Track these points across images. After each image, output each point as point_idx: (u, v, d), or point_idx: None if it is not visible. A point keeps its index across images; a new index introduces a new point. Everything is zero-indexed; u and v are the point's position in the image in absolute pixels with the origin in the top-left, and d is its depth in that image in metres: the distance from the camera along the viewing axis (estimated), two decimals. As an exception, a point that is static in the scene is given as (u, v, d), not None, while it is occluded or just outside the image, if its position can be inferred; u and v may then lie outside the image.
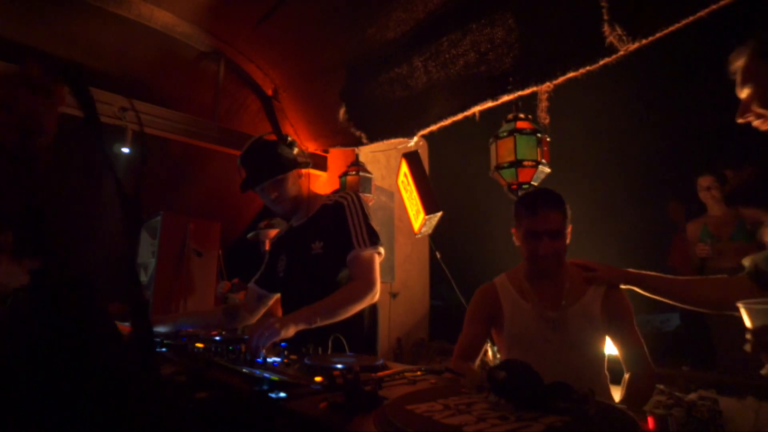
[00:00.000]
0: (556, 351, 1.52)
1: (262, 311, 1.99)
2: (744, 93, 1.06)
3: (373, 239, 1.66)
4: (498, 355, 1.95)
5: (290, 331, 1.40)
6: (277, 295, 1.96)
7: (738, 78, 1.07)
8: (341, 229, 1.67)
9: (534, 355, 1.52)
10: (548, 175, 2.60)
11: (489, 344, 2.00)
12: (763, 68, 1.03)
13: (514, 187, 2.54)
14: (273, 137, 1.82)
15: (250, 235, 3.19)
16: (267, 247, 3.01)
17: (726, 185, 3.16)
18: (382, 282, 1.68)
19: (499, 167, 2.56)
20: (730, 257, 3.00)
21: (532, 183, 2.53)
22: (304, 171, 1.84)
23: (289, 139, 1.82)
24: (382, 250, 1.68)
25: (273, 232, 3.02)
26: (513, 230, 1.68)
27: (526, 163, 2.49)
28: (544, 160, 2.51)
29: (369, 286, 1.61)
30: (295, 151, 1.80)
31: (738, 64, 1.08)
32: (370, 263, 1.64)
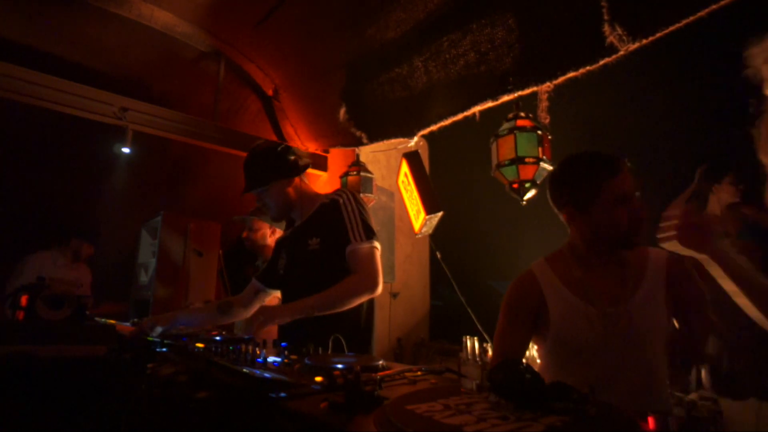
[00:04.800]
0: (619, 357, 1.22)
1: (257, 306, 2.03)
2: None
3: (369, 234, 1.68)
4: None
5: (286, 317, 1.55)
6: (274, 293, 2.01)
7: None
8: (338, 225, 1.70)
9: (592, 365, 1.24)
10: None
11: (490, 344, 1.99)
12: None
13: (516, 186, 2.53)
14: (270, 144, 1.88)
15: (235, 218, 3.10)
16: (243, 235, 2.97)
17: (740, 185, 3.14)
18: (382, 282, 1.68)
19: (500, 166, 2.55)
20: (742, 256, 2.99)
21: (535, 181, 2.51)
22: (301, 174, 1.87)
23: (280, 147, 1.85)
24: (378, 244, 1.70)
25: (261, 224, 2.98)
26: (565, 215, 1.34)
27: (527, 160, 2.47)
28: (545, 157, 2.50)
29: (369, 278, 1.63)
30: (290, 158, 1.83)
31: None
32: (370, 257, 1.66)
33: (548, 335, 1.31)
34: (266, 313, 1.52)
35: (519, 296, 1.38)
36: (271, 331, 1.91)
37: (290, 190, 1.83)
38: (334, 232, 1.69)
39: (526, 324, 1.35)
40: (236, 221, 3.05)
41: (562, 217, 1.36)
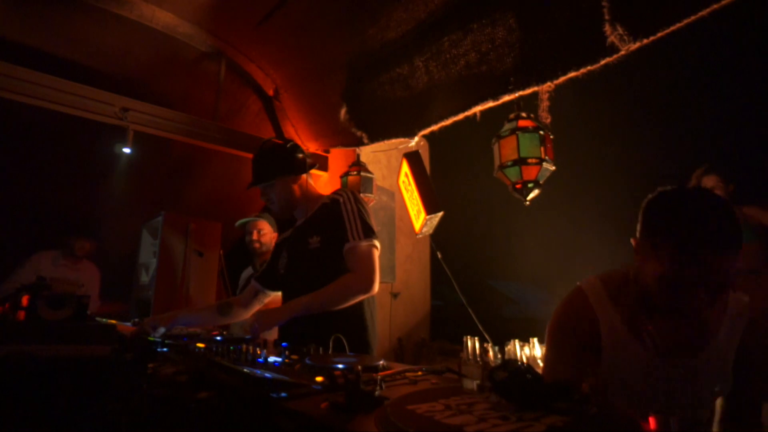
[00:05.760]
0: (673, 400, 1.09)
1: (256, 307, 2.05)
2: None
3: (368, 233, 1.69)
4: (499, 356, 1.93)
5: (282, 319, 1.57)
6: (274, 294, 2.02)
7: None
8: (337, 223, 1.71)
9: (641, 403, 1.11)
10: (552, 174, 2.59)
11: (490, 344, 1.99)
12: None
13: (519, 186, 2.53)
14: (279, 142, 1.90)
15: (237, 224, 3.09)
16: (254, 237, 2.96)
17: (730, 185, 3.14)
18: (383, 282, 1.69)
19: (502, 166, 2.55)
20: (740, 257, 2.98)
21: (538, 181, 2.51)
22: (304, 174, 1.89)
23: (289, 145, 1.88)
24: (377, 243, 1.71)
25: (260, 223, 2.98)
26: (634, 241, 1.13)
27: (530, 160, 2.47)
28: (548, 158, 2.50)
29: (364, 277, 1.63)
30: (298, 156, 1.85)
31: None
32: (367, 255, 1.67)
33: (600, 369, 1.15)
34: (262, 318, 1.53)
35: (570, 323, 1.19)
36: (272, 330, 1.91)
37: (295, 187, 1.85)
38: (334, 231, 1.71)
39: (578, 352, 1.17)
40: (239, 226, 3.03)
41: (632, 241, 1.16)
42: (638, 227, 1.12)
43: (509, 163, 2.51)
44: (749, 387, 1.13)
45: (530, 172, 2.49)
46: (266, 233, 2.95)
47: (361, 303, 1.70)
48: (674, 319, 1.10)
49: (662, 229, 1.04)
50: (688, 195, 1.05)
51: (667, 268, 1.01)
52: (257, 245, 2.91)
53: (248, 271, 3.15)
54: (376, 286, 1.66)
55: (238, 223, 3.03)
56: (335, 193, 1.83)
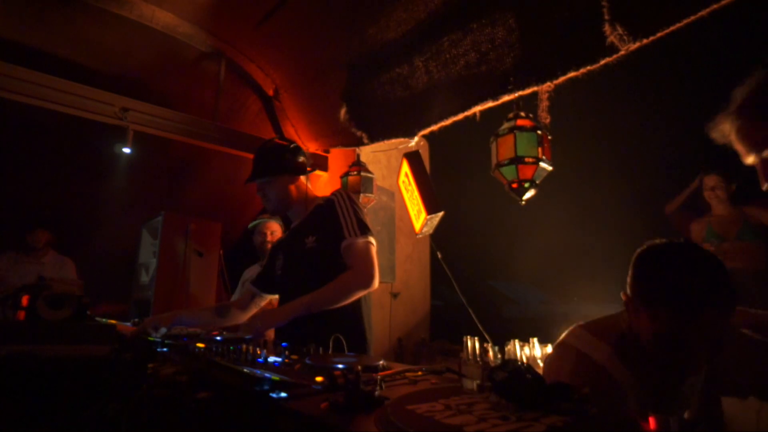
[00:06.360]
0: None
1: (254, 310, 2.07)
2: (753, 159, 0.94)
3: (363, 229, 1.70)
4: (499, 356, 1.93)
5: (283, 320, 1.56)
6: (271, 297, 2.03)
7: (740, 146, 0.96)
8: (333, 222, 1.72)
9: None
10: (553, 174, 2.58)
11: (490, 344, 1.99)
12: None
13: (515, 185, 2.53)
14: (282, 142, 1.92)
15: (251, 225, 3.19)
16: (267, 237, 3.01)
17: (731, 184, 3.14)
18: (382, 282, 1.69)
19: (499, 165, 2.55)
20: (739, 257, 2.99)
21: (534, 180, 2.51)
22: (302, 177, 1.91)
23: (292, 146, 1.90)
24: (373, 240, 1.71)
25: (273, 225, 3.02)
26: (624, 296, 1.12)
27: (527, 159, 2.47)
28: (545, 157, 2.50)
29: (363, 273, 1.64)
30: (299, 158, 1.88)
31: (733, 130, 0.95)
32: (365, 251, 1.67)
33: None
34: (263, 318, 1.54)
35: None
36: (271, 331, 1.92)
37: (292, 188, 1.87)
38: (330, 229, 1.72)
39: None
40: (252, 227, 3.11)
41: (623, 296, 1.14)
42: (628, 281, 1.11)
43: (506, 162, 2.51)
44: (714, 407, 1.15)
45: (526, 172, 2.49)
46: (278, 234, 2.99)
47: (356, 301, 1.71)
48: (671, 369, 1.08)
49: (653, 287, 1.03)
50: (678, 251, 1.04)
51: (661, 327, 1.00)
52: (270, 246, 2.96)
53: (251, 270, 3.18)
54: (376, 282, 1.66)
55: (251, 224, 3.09)
56: (330, 194, 1.85)
